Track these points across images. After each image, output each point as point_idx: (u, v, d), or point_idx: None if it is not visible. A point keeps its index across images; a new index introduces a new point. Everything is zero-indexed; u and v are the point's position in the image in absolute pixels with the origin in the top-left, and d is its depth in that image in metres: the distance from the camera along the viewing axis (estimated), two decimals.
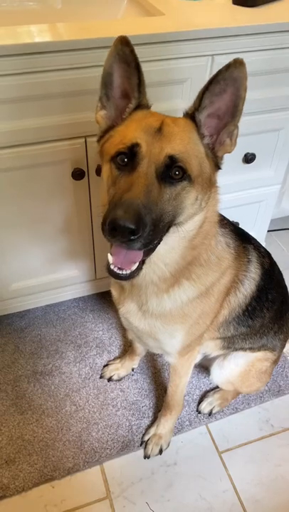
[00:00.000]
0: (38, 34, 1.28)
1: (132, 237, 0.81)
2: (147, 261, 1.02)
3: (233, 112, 0.94)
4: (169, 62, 1.37)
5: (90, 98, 1.34)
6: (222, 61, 1.40)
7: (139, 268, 0.95)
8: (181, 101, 1.43)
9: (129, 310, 1.23)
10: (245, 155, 1.71)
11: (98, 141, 1.04)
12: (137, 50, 1.30)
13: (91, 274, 1.87)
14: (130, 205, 0.82)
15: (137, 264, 0.93)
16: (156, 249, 0.99)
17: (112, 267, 0.93)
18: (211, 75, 1.41)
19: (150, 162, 0.88)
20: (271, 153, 1.78)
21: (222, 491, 1.51)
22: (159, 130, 0.91)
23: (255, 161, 1.73)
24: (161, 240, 0.95)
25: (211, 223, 1.07)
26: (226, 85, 0.90)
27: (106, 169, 0.97)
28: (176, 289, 1.12)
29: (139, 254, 0.91)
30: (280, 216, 2.39)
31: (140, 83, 0.97)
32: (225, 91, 0.91)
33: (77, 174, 1.48)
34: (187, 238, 1.02)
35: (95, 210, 1.63)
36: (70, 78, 1.29)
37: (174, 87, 1.42)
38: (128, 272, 0.92)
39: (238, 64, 0.87)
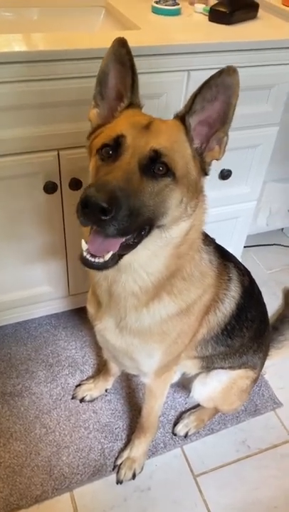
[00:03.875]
0: (11, 43, 1.24)
1: (104, 217, 0.78)
2: (128, 269, 1.00)
3: (224, 119, 0.94)
4: (144, 76, 1.35)
5: (64, 110, 1.32)
6: (198, 77, 1.40)
7: (115, 261, 0.90)
8: (157, 116, 1.42)
9: (106, 326, 1.18)
10: (222, 171, 1.70)
11: (88, 137, 1.04)
12: None
13: (64, 291, 1.82)
14: (105, 184, 0.80)
15: (111, 254, 0.88)
16: (139, 256, 0.97)
17: (84, 254, 0.88)
18: (188, 90, 1.42)
19: (134, 153, 0.87)
20: (247, 170, 1.77)
21: None
22: (147, 126, 0.91)
23: (231, 177, 1.72)
24: (141, 239, 0.92)
25: (198, 232, 1.05)
26: (218, 92, 0.89)
27: (92, 162, 0.97)
28: (156, 304, 1.09)
29: (116, 244, 0.87)
30: (256, 232, 2.40)
31: (133, 83, 0.98)
32: (216, 98, 0.91)
33: (50, 187, 1.43)
34: (171, 246, 0.99)
35: (68, 224, 1.59)
36: (44, 89, 1.26)
37: (150, 102, 1.39)
38: (101, 260, 0.88)
39: (231, 71, 0.87)
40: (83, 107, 1.30)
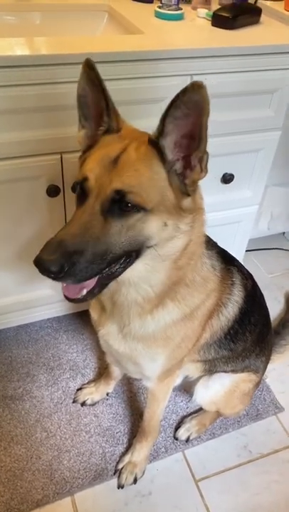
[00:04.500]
0: (14, 47, 1.25)
1: (59, 276, 0.81)
2: (127, 283, 1.01)
3: (199, 137, 0.84)
4: (146, 80, 1.35)
5: (67, 113, 1.32)
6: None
7: (97, 291, 0.94)
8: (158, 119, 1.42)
9: (109, 332, 1.18)
10: (224, 175, 1.70)
11: (79, 159, 1.01)
12: (115, 67, 1.29)
13: None
14: (56, 245, 0.81)
15: (87, 290, 0.92)
16: (137, 271, 0.97)
17: (63, 291, 0.93)
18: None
19: (98, 195, 0.85)
20: (249, 174, 1.77)
21: None
22: (115, 160, 0.86)
23: (233, 181, 1.72)
24: (127, 266, 0.93)
25: (197, 244, 1.03)
26: (188, 109, 0.80)
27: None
28: (160, 310, 1.09)
29: (90, 283, 0.91)
30: (258, 236, 2.39)
31: (108, 107, 0.92)
32: (190, 114, 0.82)
33: (53, 191, 1.44)
34: (170, 261, 0.98)
35: None
36: (47, 93, 1.26)
37: (152, 106, 1.40)
38: (80, 296, 0.92)
39: (196, 87, 0.76)
40: None
